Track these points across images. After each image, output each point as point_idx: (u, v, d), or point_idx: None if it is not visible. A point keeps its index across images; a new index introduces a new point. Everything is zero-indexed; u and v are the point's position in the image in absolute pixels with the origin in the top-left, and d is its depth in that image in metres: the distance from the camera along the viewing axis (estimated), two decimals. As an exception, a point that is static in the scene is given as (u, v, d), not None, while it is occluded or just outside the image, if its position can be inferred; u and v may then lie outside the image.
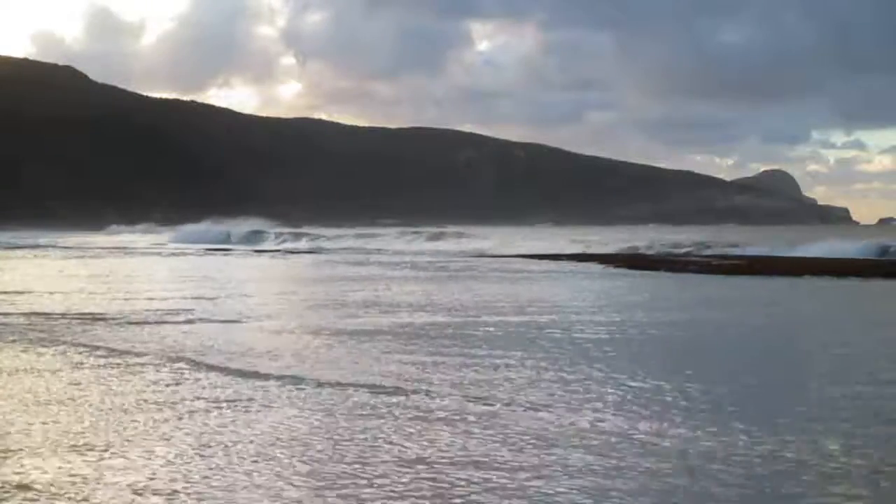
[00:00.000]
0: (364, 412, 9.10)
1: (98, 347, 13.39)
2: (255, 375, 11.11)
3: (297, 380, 10.77)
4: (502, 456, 7.49)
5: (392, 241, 69.32)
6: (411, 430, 8.34)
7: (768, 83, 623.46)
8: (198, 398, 9.77)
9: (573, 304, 21.10)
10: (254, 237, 74.60)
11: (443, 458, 7.48)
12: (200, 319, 17.14)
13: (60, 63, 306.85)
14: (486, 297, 22.47)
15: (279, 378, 10.90)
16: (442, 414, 9.01)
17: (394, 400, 9.64)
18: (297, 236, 75.63)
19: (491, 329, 15.98)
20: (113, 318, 17.09)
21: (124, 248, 65.32)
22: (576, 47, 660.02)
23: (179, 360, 12.25)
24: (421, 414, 9.01)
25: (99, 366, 11.82)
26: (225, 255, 51.36)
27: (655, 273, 34.11)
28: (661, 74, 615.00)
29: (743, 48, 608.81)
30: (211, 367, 11.65)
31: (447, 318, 17.52)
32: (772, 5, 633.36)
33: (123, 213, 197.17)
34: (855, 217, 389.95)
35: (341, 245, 66.63)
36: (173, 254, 53.24)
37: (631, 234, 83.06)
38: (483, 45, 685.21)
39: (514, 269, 37.17)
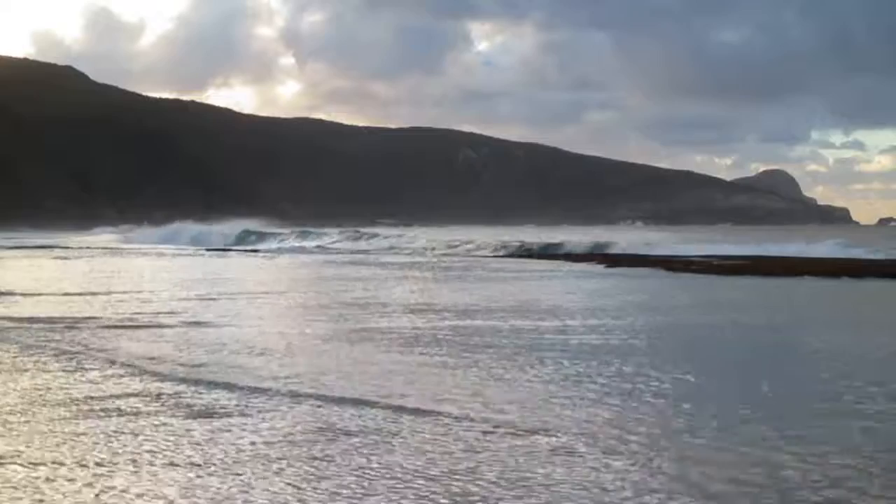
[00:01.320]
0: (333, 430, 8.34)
1: (60, 351, 12.65)
2: (213, 384, 10.35)
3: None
4: (483, 469, 6.84)
5: (328, 239, 72.11)
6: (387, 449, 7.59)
7: (768, 83, 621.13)
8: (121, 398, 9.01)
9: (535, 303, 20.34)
10: (203, 238, 76.35)
11: (429, 472, 6.84)
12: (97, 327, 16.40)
13: (60, 63, 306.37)
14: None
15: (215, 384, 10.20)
16: (427, 428, 8.27)
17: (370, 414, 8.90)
18: (246, 236, 77.18)
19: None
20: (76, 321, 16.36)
21: (111, 248, 65.12)
22: (575, 47, 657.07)
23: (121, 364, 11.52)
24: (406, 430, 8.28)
25: (51, 371, 11.06)
26: (160, 255, 50.77)
27: (655, 273, 33.54)
28: (660, 74, 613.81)
29: (742, 48, 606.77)
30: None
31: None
32: (771, 5, 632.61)
33: (123, 213, 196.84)
34: (855, 217, 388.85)
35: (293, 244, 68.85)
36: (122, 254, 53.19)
37: (586, 233, 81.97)
38: (482, 45, 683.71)
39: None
